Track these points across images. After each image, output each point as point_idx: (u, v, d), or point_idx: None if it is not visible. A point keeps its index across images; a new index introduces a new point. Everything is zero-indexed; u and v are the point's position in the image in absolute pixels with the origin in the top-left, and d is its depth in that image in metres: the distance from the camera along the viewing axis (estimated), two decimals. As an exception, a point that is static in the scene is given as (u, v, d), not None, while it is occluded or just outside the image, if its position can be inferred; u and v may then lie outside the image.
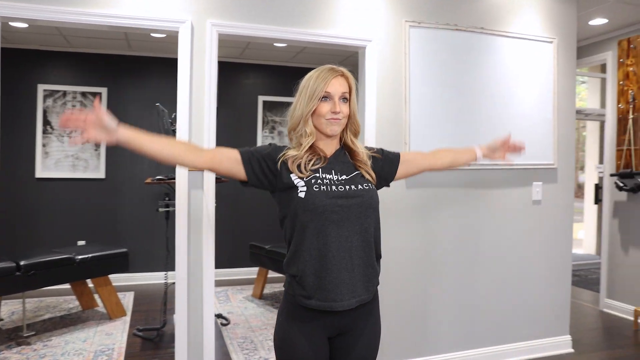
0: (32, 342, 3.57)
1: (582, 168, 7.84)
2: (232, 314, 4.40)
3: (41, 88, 5.14)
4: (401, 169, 1.73)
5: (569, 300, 3.60)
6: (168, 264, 4.16)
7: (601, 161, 6.70)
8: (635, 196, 4.31)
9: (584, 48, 4.81)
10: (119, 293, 4.44)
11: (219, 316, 4.16)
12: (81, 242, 5.18)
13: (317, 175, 1.52)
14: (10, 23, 3.18)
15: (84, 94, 5.24)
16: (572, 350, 3.56)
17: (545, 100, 3.42)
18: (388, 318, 2.82)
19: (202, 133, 2.71)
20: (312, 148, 1.57)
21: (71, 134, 5.04)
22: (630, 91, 4.33)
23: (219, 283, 4.80)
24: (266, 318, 4.29)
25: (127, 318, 4.21)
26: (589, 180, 7.19)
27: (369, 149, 1.70)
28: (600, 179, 6.39)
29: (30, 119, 5.12)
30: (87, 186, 5.28)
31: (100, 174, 5.29)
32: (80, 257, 3.93)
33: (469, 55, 3.21)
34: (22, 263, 3.54)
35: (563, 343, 3.55)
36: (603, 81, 6.67)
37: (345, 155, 1.62)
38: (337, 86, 1.54)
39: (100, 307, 4.44)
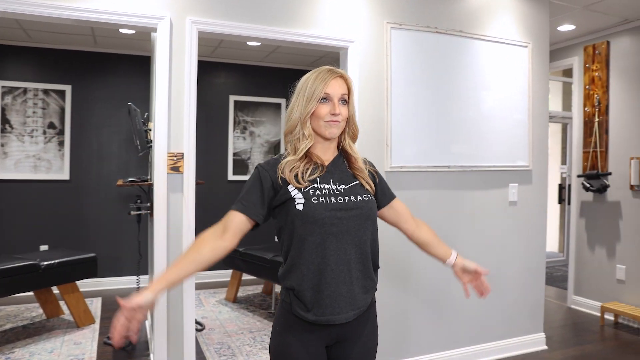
0: (-6, 355, 3.37)
1: (545, 169, 8.09)
2: (206, 318, 4.29)
3: (-1, 84, 4.88)
4: (385, 211, 1.67)
5: (543, 298, 3.69)
6: (140, 268, 4.02)
7: (564, 162, 6.94)
8: (601, 196, 4.47)
9: (552, 53, 4.95)
10: (85, 299, 4.25)
11: (193, 322, 4.05)
12: (44, 247, 4.95)
13: (316, 185, 1.46)
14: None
15: (46, 92, 5.00)
16: (545, 347, 3.65)
17: (521, 103, 3.49)
18: (372, 321, 2.80)
19: (181, 134, 2.62)
20: (309, 155, 1.51)
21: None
22: (595, 95, 4.49)
23: (191, 287, 4.68)
24: (242, 322, 4.20)
25: (96, 326, 4.04)
26: (552, 180, 7.44)
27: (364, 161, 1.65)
28: (564, 179, 6.63)
29: (-12, 117, 4.85)
30: (50, 188, 5.03)
31: (65, 175, 5.06)
32: (45, 263, 3.73)
33: (449, 57, 3.24)
34: (-18, 271, 3.33)
35: (537, 340, 3.63)
36: (565, 84, 6.92)
37: (344, 163, 1.57)
38: (336, 87, 1.50)
39: (67, 315, 4.24)
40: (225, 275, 5.53)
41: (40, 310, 4.30)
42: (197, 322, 4.06)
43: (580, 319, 4.40)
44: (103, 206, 5.20)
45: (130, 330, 1.28)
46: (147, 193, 3.86)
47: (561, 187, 6.58)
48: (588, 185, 4.47)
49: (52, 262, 3.77)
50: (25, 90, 4.94)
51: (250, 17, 2.74)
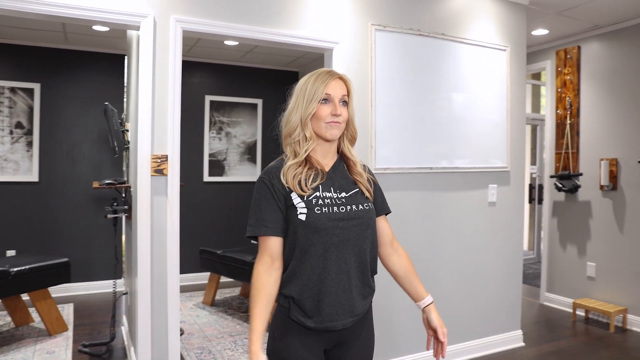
0: (-39, 366, 3.21)
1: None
2: (184, 323, 4.21)
3: (-38, 82, 4.65)
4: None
5: (520, 296, 3.78)
6: (117, 272, 3.90)
7: (533, 163, 7.14)
8: (573, 196, 4.62)
9: (526, 56, 5.07)
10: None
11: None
12: (10, 252, 4.74)
13: (318, 194, 1.45)
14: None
15: (13, 90, 4.79)
16: (523, 344, 3.74)
17: (499, 105, 3.57)
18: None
19: (165, 135, 2.56)
20: (310, 161, 1.50)
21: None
22: (567, 98, 4.63)
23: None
24: (221, 326, 4.14)
25: (70, 333, 3.90)
26: (522, 180, 7.63)
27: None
28: (534, 179, 6.82)
29: (-50, 116, 4.62)
30: (17, 190, 4.83)
31: (33, 176, 4.86)
32: (15, 269, 3.57)
33: (432, 60, 3.27)
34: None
35: (515, 337, 3.72)
36: (534, 87, 7.12)
37: (344, 168, 1.56)
38: (337, 88, 1.49)
39: (37, 322, 4.08)
40: (200, 278, 5.45)
41: (9, 319, 4.12)
42: (175, 327, 3.97)
43: (553, 316, 4.53)
44: (73, 209, 5.03)
45: None
46: (124, 195, 3.75)
47: (531, 187, 6.76)
48: (560, 185, 4.60)
49: (23, 267, 3.61)
50: (-10, 88, 4.73)
51: (235, 16, 2.70)
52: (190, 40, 4.88)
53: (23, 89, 4.82)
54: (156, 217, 2.54)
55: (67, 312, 4.43)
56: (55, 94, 4.95)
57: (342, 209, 1.46)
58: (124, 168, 3.96)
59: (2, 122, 4.76)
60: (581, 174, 4.48)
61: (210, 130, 5.74)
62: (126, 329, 3.79)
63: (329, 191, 1.48)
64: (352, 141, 1.59)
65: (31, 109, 4.85)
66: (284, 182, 1.44)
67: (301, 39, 2.85)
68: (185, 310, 4.60)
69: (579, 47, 4.55)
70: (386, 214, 1.66)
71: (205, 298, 4.82)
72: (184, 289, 5.30)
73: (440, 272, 3.36)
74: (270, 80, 5.99)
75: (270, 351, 1.53)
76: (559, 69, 4.70)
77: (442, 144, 3.34)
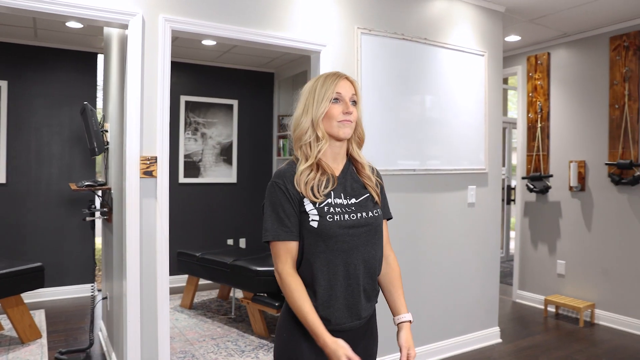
0: None
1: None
2: (163, 327, 4.12)
3: None
4: None
5: (498, 294, 3.91)
6: (95, 276, 3.79)
7: (502, 164, 7.36)
8: (543, 197, 4.80)
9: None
10: (29, 313, 3.95)
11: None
12: (-24, 257, 4.53)
13: (329, 201, 1.47)
14: None
15: (-22, 87, 4.59)
16: (500, 340, 3.86)
17: (478, 109, 3.68)
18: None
19: (154, 137, 2.51)
20: (321, 166, 1.50)
21: None
22: (538, 102, 4.81)
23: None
24: (202, 329, 4.09)
25: (44, 340, 3.76)
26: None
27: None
28: (503, 180, 7.04)
29: None
30: (-17, 193, 4.62)
31: (1, 178, 4.66)
32: (-14, 274, 3.43)
33: (414, 63, 3.34)
34: None
35: (493, 334, 3.84)
36: (503, 91, 7.34)
37: (354, 171, 1.58)
38: (346, 88, 1.52)
39: (7, 330, 3.92)
40: (177, 281, 5.36)
41: (-24, 327, 3.94)
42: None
43: (526, 312, 4.69)
44: (43, 211, 4.85)
45: None
46: (101, 197, 3.65)
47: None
48: (532, 186, 4.78)
49: (-5, 273, 3.46)
50: (-47, 86, 4.51)
51: (225, 17, 2.68)
52: (167, 40, 4.79)
53: (-11, 87, 4.62)
54: (145, 219, 2.49)
55: (39, 318, 4.26)
56: (24, 92, 4.77)
57: (353, 216, 1.48)
58: (103, 169, 3.85)
59: (-33, 121, 4.55)
60: (551, 176, 4.66)
61: (185, 131, 5.65)
62: (104, 334, 3.69)
63: (340, 197, 1.49)
64: (360, 143, 1.62)
65: (-2, 107, 4.65)
66: (297, 188, 1.45)
67: (290, 41, 2.86)
68: (163, 314, 4.51)
69: (548, 54, 4.74)
70: (388, 219, 1.67)
71: (183, 301, 4.75)
72: (159, 293, 5.20)
73: (422, 272, 3.43)
74: (246, 81, 5.95)
75: (279, 353, 1.54)
76: (530, 74, 4.88)
77: (425, 146, 3.42)
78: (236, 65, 5.87)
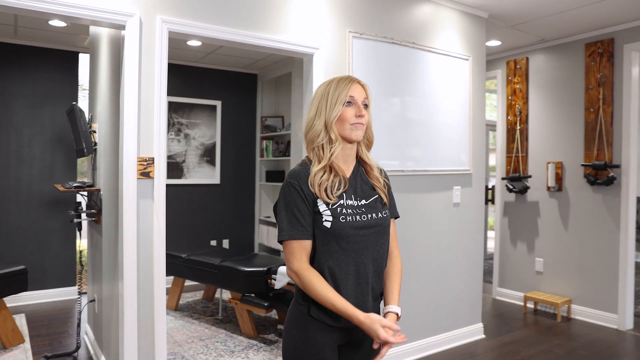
0: None
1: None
2: (150, 329, 4.09)
3: None
4: None
5: (481, 291, 4.02)
6: (82, 279, 3.74)
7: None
8: (522, 197, 4.96)
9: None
10: (11, 317, 3.86)
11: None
12: (-47, 261, 4.39)
13: (342, 202, 1.51)
14: None
15: (-46, 86, 4.45)
16: (484, 336, 3.98)
17: (462, 112, 3.78)
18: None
19: (151, 138, 2.52)
20: (333, 167, 1.55)
21: None
22: (517, 105, 4.97)
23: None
24: (189, 331, 4.07)
25: (27, 345, 3.68)
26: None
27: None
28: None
29: None
30: (-40, 194, 4.49)
31: (-22, 179, 4.55)
32: (-32, 278, 3.34)
33: (403, 67, 3.42)
34: None
35: (476, 330, 3.95)
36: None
37: (363, 173, 1.63)
38: (359, 92, 1.57)
39: (-12, 335, 3.82)
40: (162, 283, 5.30)
41: (-45, 332, 3.82)
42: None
43: (506, 309, 4.84)
44: (24, 213, 4.74)
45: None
46: (89, 199, 3.60)
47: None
48: (511, 187, 4.93)
49: (-23, 277, 3.38)
50: None
51: (220, 19, 2.70)
52: (152, 40, 4.75)
53: (-34, 86, 4.50)
54: (142, 221, 2.49)
55: (20, 323, 4.17)
56: (3, 92, 4.65)
57: (364, 217, 1.53)
58: (89, 170, 3.80)
59: (-56, 121, 4.41)
60: (530, 176, 4.82)
61: (168, 132, 5.61)
62: (91, 338, 3.64)
63: (351, 199, 1.54)
64: (369, 146, 1.67)
65: (-24, 107, 4.53)
66: (311, 188, 1.49)
67: (285, 44, 2.90)
68: (148, 316, 4.47)
69: (527, 58, 4.90)
70: (395, 218, 1.72)
71: (169, 302, 4.71)
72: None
73: (409, 271, 3.51)
74: (230, 82, 5.95)
75: (290, 348, 1.57)
76: (510, 78, 5.04)
77: (413, 147, 3.50)
78: (220, 66, 5.86)
